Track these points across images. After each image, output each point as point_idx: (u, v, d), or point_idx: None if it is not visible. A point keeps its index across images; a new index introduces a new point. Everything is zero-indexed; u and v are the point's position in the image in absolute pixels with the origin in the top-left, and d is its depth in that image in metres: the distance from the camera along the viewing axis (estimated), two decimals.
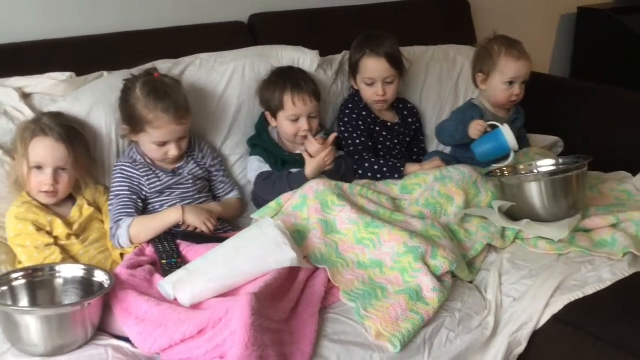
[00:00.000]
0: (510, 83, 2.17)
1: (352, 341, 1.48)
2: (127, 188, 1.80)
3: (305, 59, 2.17)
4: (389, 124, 2.22)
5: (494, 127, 2.09)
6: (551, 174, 1.89)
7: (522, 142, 2.35)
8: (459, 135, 2.15)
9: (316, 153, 1.93)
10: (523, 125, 2.37)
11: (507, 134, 2.05)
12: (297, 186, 1.88)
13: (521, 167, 2.04)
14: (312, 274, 1.63)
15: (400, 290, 1.59)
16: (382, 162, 2.09)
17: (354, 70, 2.17)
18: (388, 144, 2.20)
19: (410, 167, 2.09)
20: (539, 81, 2.65)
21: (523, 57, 2.17)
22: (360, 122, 2.15)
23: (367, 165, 2.08)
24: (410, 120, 2.29)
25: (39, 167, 1.69)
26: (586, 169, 1.88)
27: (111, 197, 1.80)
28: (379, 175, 2.07)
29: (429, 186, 1.96)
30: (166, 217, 1.75)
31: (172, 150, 1.81)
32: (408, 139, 2.27)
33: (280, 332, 1.43)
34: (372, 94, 2.14)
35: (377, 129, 2.18)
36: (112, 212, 1.77)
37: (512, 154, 2.06)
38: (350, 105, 2.19)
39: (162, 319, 1.44)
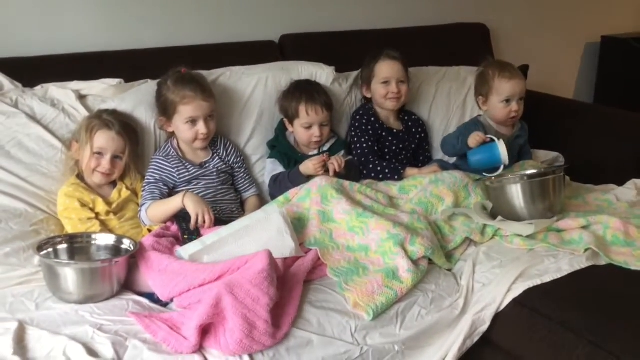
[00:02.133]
0: (507, 101, 2.39)
1: (332, 308, 1.72)
2: (157, 177, 2.11)
3: (322, 73, 2.46)
4: (395, 130, 2.48)
5: (491, 140, 2.30)
6: (529, 177, 2.08)
7: (526, 157, 2.57)
8: (460, 145, 2.37)
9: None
10: (527, 141, 2.58)
11: (501, 148, 2.24)
12: (295, 180, 2.16)
13: (509, 175, 2.23)
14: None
15: (379, 269, 1.83)
16: (384, 164, 2.35)
17: (368, 77, 2.44)
18: (394, 148, 2.45)
19: (410, 171, 2.33)
20: (547, 102, 2.87)
21: (515, 77, 2.38)
22: (370, 128, 2.41)
23: (371, 166, 2.34)
24: (414, 130, 2.53)
25: (100, 153, 2.02)
26: (562, 174, 2.07)
27: (144, 184, 2.11)
28: (380, 176, 2.32)
29: (423, 187, 2.20)
30: (171, 201, 1.99)
31: (202, 129, 2.09)
32: (413, 146, 2.52)
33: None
34: (387, 92, 2.40)
35: (384, 134, 2.44)
36: (142, 197, 2.09)
37: (502, 167, 2.25)
38: (361, 112, 2.46)
39: (181, 269, 1.69)
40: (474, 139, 2.31)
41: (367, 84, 2.46)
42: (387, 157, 2.43)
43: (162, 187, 2.09)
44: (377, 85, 2.42)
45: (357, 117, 2.45)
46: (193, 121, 2.10)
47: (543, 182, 2.03)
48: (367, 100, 2.48)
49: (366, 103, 2.49)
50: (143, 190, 2.10)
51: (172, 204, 1.99)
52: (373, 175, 2.33)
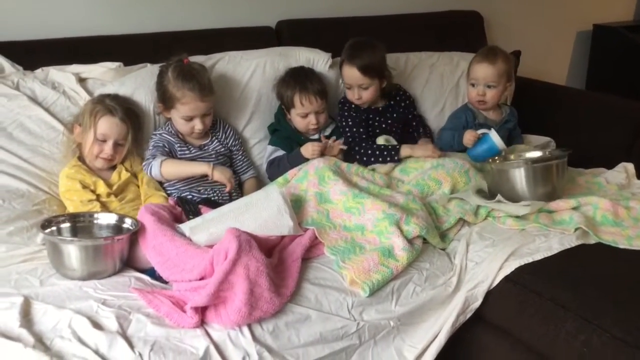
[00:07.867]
0: (473, 85, 2.43)
1: (330, 285, 1.77)
2: (164, 144, 2.15)
3: (319, 59, 2.48)
4: (380, 108, 2.50)
5: (484, 134, 2.33)
6: (533, 161, 2.10)
7: (517, 140, 2.61)
8: (456, 144, 2.40)
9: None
10: (516, 125, 2.62)
11: (495, 138, 2.27)
12: (294, 162, 2.20)
13: (512, 157, 2.25)
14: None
15: (375, 248, 1.87)
16: (382, 146, 2.37)
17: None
18: (383, 125, 2.47)
19: (403, 150, 2.35)
20: (539, 88, 2.92)
21: (485, 61, 2.40)
22: (354, 114, 2.43)
23: (369, 151, 2.36)
24: (402, 104, 2.55)
25: (102, 139, 2.05)
26: (566, 160, 2.10)
27: (149, 147, 2.16)
28: (380, 159, 2.34)
29: (424, 170, 2.24)
30: (197, 166, 2.09)
31: (198, 125, 2.14)
32: (402, 118, 2.54)
33: (270, 277, 1.71)
34: (351, 97, 2.43)
35: (371, 115, 2.47)
36: (149, 151, 2.13)
37: (503, 154, 2.27)
38: (343, 100, 2.48)
39: (176, 258, 1.73)
40: (469, 139, 2.34)
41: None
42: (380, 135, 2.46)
43: (167, 151, 2.14)
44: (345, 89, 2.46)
45: (340, 105, 2.48)
46: (190, 119, 2.14)
47: (546, 167, 2.06)
48: None
49: None
50: (148, 150, 2.15)
51: (196, 168, 2.08)
52: (373, 159, 2.34)
